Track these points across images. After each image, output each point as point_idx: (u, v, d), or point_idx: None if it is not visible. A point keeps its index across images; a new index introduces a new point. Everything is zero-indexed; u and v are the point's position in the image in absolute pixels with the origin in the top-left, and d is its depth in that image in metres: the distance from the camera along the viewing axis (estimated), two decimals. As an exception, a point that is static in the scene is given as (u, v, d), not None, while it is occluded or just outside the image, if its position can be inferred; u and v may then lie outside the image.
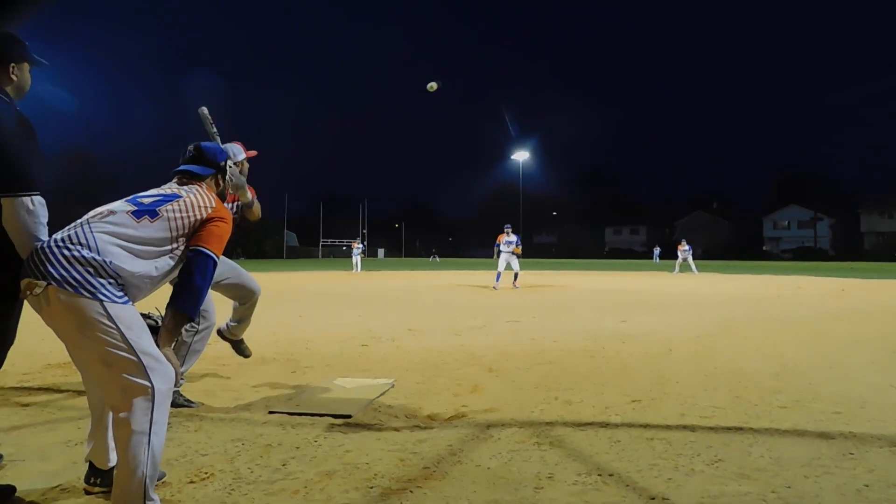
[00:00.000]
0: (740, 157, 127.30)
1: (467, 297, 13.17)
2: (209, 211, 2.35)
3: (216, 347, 5.80)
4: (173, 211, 2.27)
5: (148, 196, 2.35)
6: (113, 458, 2.29)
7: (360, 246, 30.92)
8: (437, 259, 64.28)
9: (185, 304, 2.20)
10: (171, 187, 2.46)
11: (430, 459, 2.72)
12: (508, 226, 16.54)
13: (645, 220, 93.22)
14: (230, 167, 2.92)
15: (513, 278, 16.36)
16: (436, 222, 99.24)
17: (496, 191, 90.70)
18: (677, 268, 27.59)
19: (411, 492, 2.35)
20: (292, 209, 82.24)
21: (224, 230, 2.38)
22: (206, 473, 2.53)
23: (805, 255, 69.02)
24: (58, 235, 2.13)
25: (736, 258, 64.58)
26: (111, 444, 2.29)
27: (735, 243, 76.54)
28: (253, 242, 73.13)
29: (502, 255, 16.19)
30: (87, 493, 2.33)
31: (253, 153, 3.94)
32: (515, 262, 16.31)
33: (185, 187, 2.46)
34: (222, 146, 3.42)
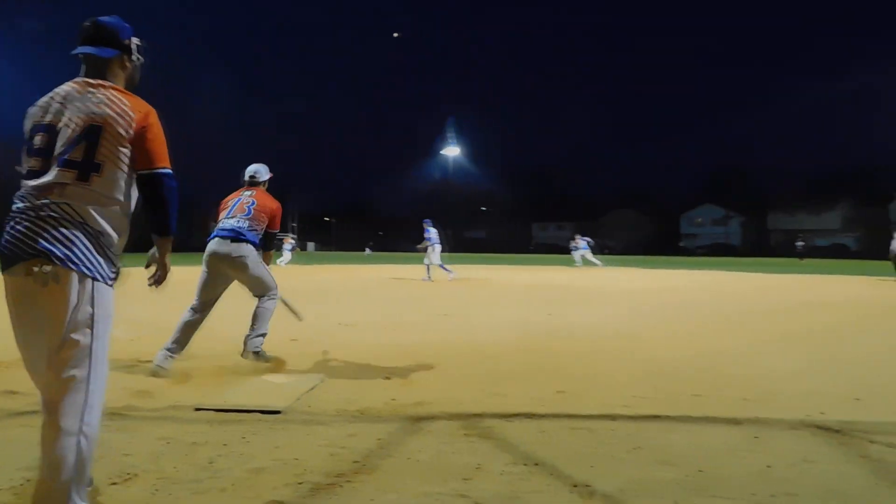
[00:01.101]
0: (661, 158, 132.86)
1: (400, 292, 13.18)
2: (132, 120, 2.10)
3: (140, 344, 5.59)
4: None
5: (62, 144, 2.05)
6: None
7: (293, 242, 30.28)
8: (370, 252, 63.80)
9: (171, 227, 2.27)
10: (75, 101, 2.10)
11: (361, 453, 2.73)
12: (427, 220, 17.00)
13: (571, 216, 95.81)
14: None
15: (426, 271, 16.87)
16: (368, 217, 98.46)
17: (428, 186, 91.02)
18: (580, 260, 28.54)
19: (341, 486, 2.36)
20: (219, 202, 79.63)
21: (158, 132, 2.17)
22: (130, 474, 2.45)
23: (718, 251, 72.92)
24: None
25: (656, 254, 67.35)
26: None
27: (655, 239, 79.95)
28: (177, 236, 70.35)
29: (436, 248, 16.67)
30: None
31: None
32: (435, 256, 16.78)
33: (95, 93, 2.11)
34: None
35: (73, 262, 1.92)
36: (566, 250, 32.82)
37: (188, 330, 4.55)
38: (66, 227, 1.94)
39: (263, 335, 4.71)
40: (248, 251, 4.65)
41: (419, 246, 16.97)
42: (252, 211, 4.78)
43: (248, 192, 4.94)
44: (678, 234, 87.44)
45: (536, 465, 2.62)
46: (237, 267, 4.64)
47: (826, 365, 4.97)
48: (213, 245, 4.67)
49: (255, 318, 4.76)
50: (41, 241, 1.90)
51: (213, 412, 3.38)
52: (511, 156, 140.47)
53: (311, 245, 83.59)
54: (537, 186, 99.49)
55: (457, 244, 76.70)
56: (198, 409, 3.43)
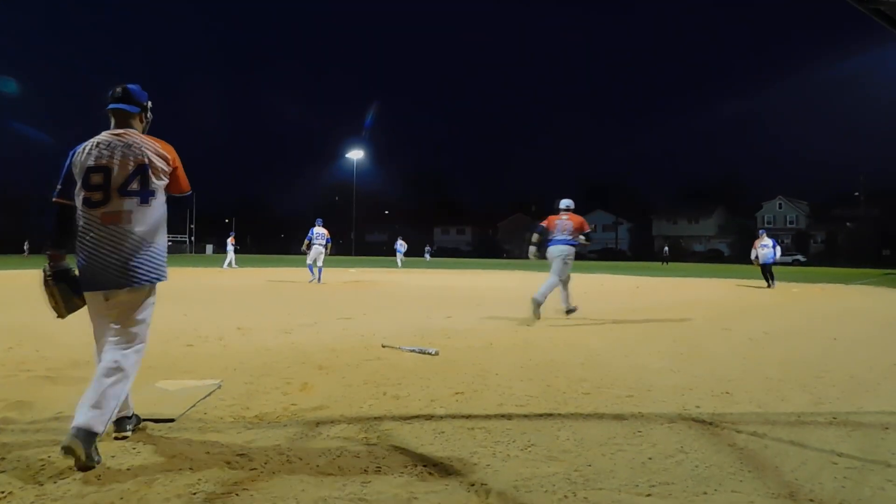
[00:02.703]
0: (555, 165, 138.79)
1: (299, 295, 12.89)
2: (168, 159, 2.94)
3: (20, 351, 5.19)
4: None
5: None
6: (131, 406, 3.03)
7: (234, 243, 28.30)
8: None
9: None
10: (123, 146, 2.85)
11: (258, 460, 2.67)
12: (319, 220, 17.06)
13: (470, 221, 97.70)
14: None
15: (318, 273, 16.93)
16: (266, 218, 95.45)
17: (330, 188, 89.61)
18: (399, 262, 30.15)
19: (237, 494, 2.30)
20: None
21: (180, 163, 3.02)
22: (3, 493, 2.27)
23: (608, 255, 76.84)
24: None
25: (550, 257, 69.87)
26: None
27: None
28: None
29: (313, 249, 16.67)
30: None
31: None
32: (321, 258, 16.84)
33: (132, 140, 2.88)
34: None
35: (146, 281, 2.85)
36: (467, 254, 35.50)
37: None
38: (136, 253, 2.80)
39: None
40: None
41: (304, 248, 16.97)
42: (571, 228, 8.68)
43: (566, 216, 8.77)
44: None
45: (435, 465, 2.68)
46: (568, 261, 8.63)
47: (695, 360, 5.38)
48: (554, 249, 8.63)
49: None
50: (126, 276, 2.78)
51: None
52: (413, 161, 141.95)
53: (209, 247, 79.97)
54: (437, 191, 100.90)
55: (359, 247, 76.03)
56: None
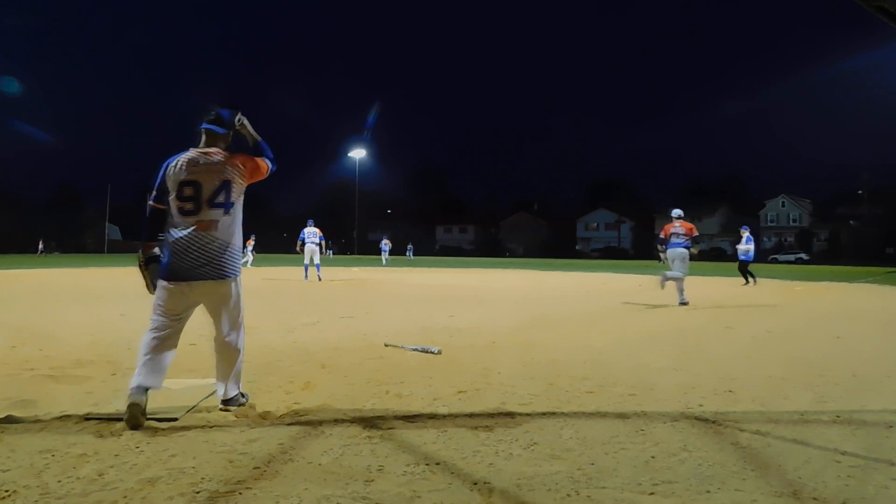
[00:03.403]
0: (559, 164, 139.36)
1: (300, 294, 12.91)
2: (244, 171, 3.52)
3: (23, 350, 5.20)
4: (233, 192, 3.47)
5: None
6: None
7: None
8: (331, 255, 61.79)
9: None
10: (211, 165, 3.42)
11: (261, 459, 2.68)
12: (311, 220, 17.28)
13: (473, 219, 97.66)
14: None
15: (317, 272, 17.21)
16: (268, 217, 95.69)
17: (332, 188, 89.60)
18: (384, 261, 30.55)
19: (240, 493, 2.31)
20: (116, 200, 75.40)
21: (252, 164, 3.59)
22: (7, 491, 2.28)
23: (611, 253, 76.82)
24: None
25: (553, 256, 69.91)
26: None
27: (552, 242, 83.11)
28: (69, 236, 65.97)
29: (307, 248, 16.97)
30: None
31: None
32: (317, 256, 17.12)
33: (217, 159, 3.44)
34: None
35: (230, 275, 3.45)
36: (469, 253, 35.95)
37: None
38: (221, 254, 3.39)
39: None
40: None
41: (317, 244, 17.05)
42: (686, 231, 10.92)
43: (679, 223, 10.94)
44: (574, 238, 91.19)
45: (438, 464, 2.68)
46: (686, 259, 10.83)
47: (698, 359, 5.37)
48: (672, 252, 10.90)
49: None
50: (217, 266, 3.38)
51: (104, 421, 3.20)
52: (415, 160, 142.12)
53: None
54: (439, 190, 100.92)
55: (361, 246, 76.03)
56: (88, 418, 3.24)
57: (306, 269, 17.18)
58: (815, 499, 2.35)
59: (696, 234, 11.04)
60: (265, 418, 3.36)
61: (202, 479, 2.44)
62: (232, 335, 3.54)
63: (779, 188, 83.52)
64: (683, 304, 10.52)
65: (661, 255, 11.32)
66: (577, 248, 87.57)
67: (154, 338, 3.33)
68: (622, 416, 3.51)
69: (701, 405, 3.77)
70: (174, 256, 3.31)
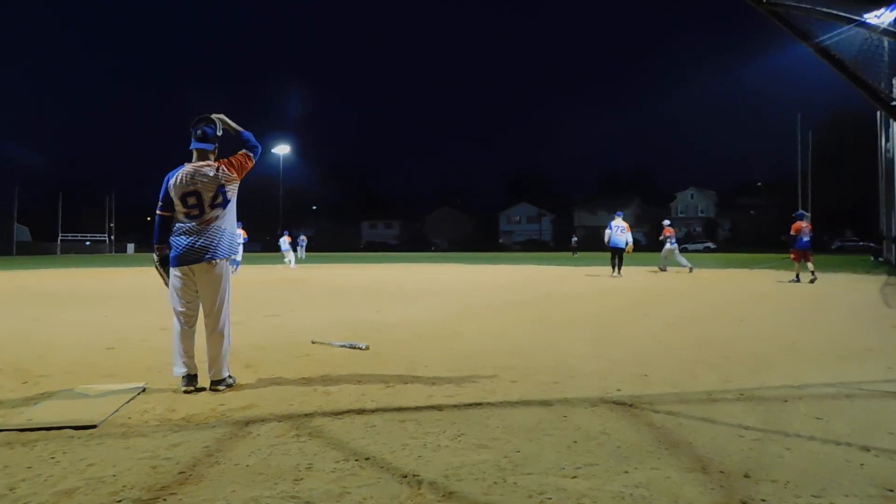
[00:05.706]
0: (480, 159, 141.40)
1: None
2: (234, 177, 4.12)
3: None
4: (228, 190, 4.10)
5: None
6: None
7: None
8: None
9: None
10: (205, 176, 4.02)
11: (186, 463, 2.61)
12: (240, 223, 17.09)
13: (397, 214, 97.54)
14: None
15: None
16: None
17: (255, 184, 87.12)
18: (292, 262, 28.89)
19: (164, 500, 2.24)
20: (24, 201, 70.84)
21: (238, 161, 4.20)
22: None
23: (532, 246, 78.62)
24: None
25: (477, 249, 70.80)
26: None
27: (476, 236, 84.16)
28: None
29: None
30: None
31: None
32: (239, 255, 18.29)
33: (209, 170, 4.03)
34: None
35: (222, 255, 4.03)
36: (395, 248, 34.86)
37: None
38: (219, 239, 4.02)
39: None
40: None
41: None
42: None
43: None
44: (497, 231, 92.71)
45: (367, 459, 2.69)
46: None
47: (615, 345, 5.62)
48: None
49: None
50: (212, 250, 4.00)
51: (14, 432, 3.03)
52: (338, 155, 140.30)
53: (130, 246, 76.44)
54: (364, 185, 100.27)
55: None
56: (-3, 430, 3.04)
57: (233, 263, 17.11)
58: (721, 472, 2.53)
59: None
60: (189, 421, 3.27)
61: (123, 487, 2.35)
62: (220, 315, 4.04)
63: (688, 181, 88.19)
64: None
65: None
66: (500, 241, 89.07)
67: (182, 328, 4.02)
68: (545, 403, 3.63)
69: (619, 389, 3.95)
70: (181, 250, 3.94)
